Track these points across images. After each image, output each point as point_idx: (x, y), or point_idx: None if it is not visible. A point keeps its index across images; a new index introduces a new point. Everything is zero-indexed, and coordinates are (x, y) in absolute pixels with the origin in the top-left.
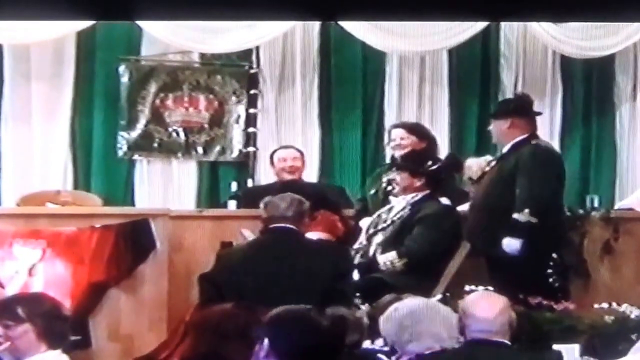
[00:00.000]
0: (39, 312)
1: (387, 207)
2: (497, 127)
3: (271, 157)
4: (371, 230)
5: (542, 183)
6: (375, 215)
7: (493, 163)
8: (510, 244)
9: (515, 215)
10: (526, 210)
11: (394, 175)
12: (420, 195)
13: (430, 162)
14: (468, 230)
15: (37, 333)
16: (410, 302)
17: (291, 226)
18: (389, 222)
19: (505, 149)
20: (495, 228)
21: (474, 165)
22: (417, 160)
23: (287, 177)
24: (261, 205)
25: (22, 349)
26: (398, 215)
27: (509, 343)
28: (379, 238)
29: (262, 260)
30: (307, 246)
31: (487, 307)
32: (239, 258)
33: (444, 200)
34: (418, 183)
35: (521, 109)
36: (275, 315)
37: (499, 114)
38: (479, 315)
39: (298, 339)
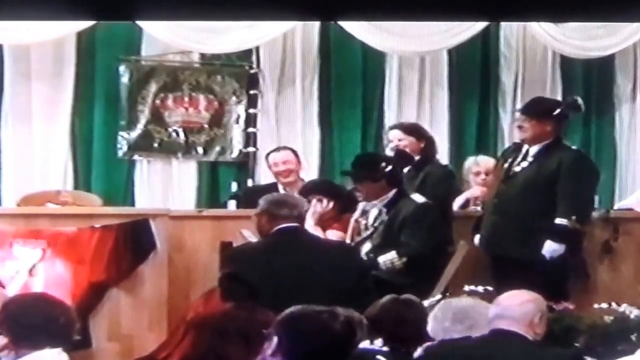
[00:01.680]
0: (23, 319)
1: (360, 211)
2: (537, 127)
3: (267, 163)
4: (356, 239)
5: (589, 191)
6: (352, 222)
7: (525, 164)
8: (553, 248)
9: (563, 221)
10: (574, 217)
11: (355, 183)
12: (389, 196)
13: (384, 164)
14: (491, 231)
15: (19, 341)
16: (467, 300)
17: (300, 225)
18: (370, 229)
19: (533, 150)
20: (533, 231)
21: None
22: (370, 166)
23: (284, 180)
24: (269, 202)
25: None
26: (378, 221)
27: (526, 336)
28: (366, 247)
29: (291, 260)
30: (328, 245)
31: (512, 295)
32: (266, 258)
33: (417, 197)
34: (379, 187)
35: (567, 114)
36: (288, 315)
37: (545, 114)
38: (502, 301)
39: (308, 340)
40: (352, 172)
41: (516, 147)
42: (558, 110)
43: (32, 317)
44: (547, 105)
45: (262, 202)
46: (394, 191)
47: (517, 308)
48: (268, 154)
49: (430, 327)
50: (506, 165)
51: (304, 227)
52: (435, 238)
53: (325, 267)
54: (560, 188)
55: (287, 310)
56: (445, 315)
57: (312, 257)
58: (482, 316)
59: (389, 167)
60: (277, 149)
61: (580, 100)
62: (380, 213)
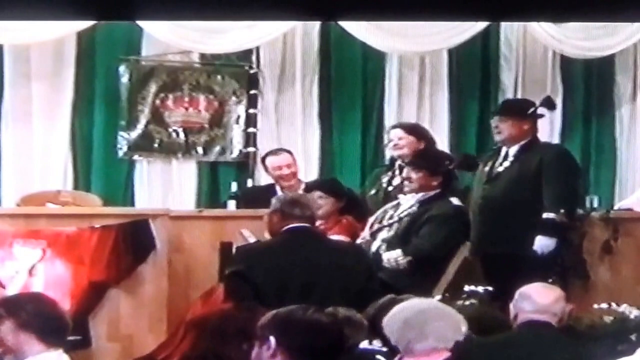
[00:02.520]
0: (21, 309)
1: (394, 203)
2: (513, 127)
3: (263, 165)
4: (376, 226)
5: (574, 185)
6: (380, 210)
7: (507, 164)
8: (544, 243)
9: (551, 215)
10: (562, 211)
11: (409, 173)
12: (430, 193)
13: (447, 162)
14: (479, 231)
15: (22, 330)
16: (417, 302)
17: (311, 226)
18: (395, 218)
19: (512, 150)
20: (520, 228)
21: None
22: (435, 159)
23: (286, 184)
24: (282, 202)
25: (16, 349)
26: (405, 213)
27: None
28: (384, 234)
29: (299, 260)
30: (337, 246)
31: (544, 293)
32: (274, 257)
33: (455, 200)
34: (434, 182)
35: (541, 112)
36: (283, 314)
37: (520, 114)
38: (536, 299)
39: (308, 338)
40: (414, 159)
41: (495, 151)
42: (532, 109)
43: (55, 315)
44: (521, 105)
45: (274, 201)
46: (437, 191)
47: (554, 306)
48: (265, 157)
49: (385, 330)
50: (487, 168)
51: (315, 228)
52: (451, 242)
53: (333, 268)
54: (544, 184)
55: (275, 312)
56: (397, 317)
57: (320, 257)
58: (427, 321)
59: (450, 166)
60: (276, 152)
61: (553, 98)
62: (412, 206)
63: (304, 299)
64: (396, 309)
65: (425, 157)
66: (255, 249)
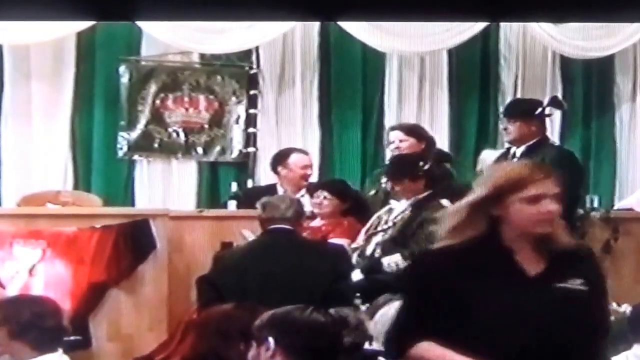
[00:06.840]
0: (17, 317)
1: (386, 208)
2: (521, 128)
3: (282, 161)
4: (371, 231)
5: (572, 187)
6: (374, 217)
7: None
8: None
9: None
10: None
11: (393, 185)
12: (421, 196)
13: (422, 163)
14: None
15: (15, 339)
16: (395, 305)
17: (290, 227)
18: (390, 223)
19: (519, 151)
20: None
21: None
22: (411, 164)
23: (305, 183)
24: (258, 205)
25: (11, 355)
26: (399, 217)
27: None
28: (378, 238)
29: (262, 262)
30: (307, 247)
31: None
32: (238, 259)
33: (445, 202)
34: (419, 186)
35: (549, 113)
36: (281, 314)
37: (528, 115)
38: None
39: (308, 338)
40: (390, 171)
41: (505, 152)
42: (540, 110)
43: (53, 324)
44: (528, 106)
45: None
46: (427, 193)
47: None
48: (287, 155)
49: (376, 336)
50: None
51: (289, 229)
52: None
53: (295, 269)
54: None
55: (272, 312)
56: (382, 322)
57: (282, 258)
58: None
59: (427, 166)
60: (300, 150)
61: (560, 97)
62: (404, 210)
63: (263, 300)
64: (377, 316)
65: (399, 164)
66: (228, 253)
